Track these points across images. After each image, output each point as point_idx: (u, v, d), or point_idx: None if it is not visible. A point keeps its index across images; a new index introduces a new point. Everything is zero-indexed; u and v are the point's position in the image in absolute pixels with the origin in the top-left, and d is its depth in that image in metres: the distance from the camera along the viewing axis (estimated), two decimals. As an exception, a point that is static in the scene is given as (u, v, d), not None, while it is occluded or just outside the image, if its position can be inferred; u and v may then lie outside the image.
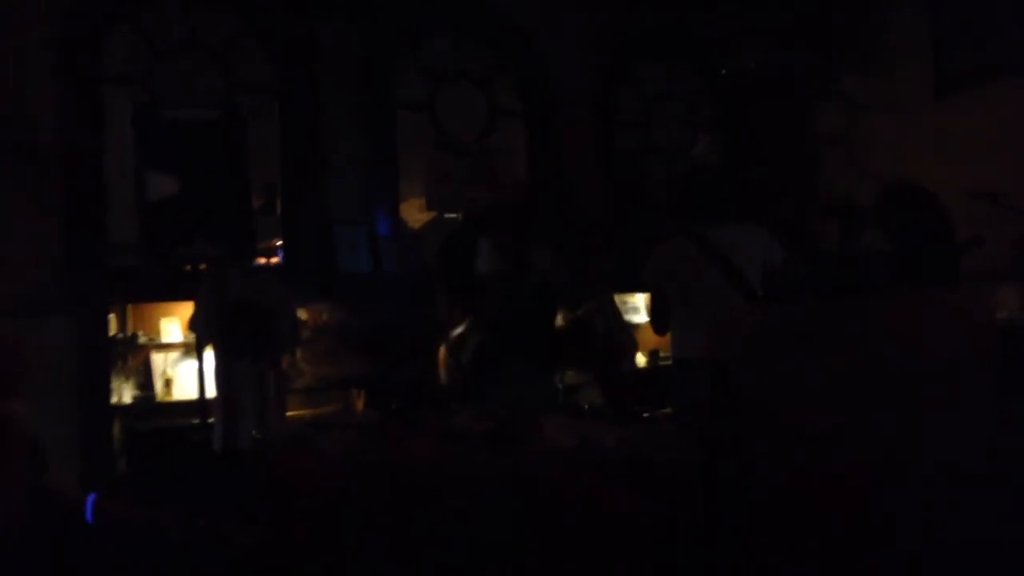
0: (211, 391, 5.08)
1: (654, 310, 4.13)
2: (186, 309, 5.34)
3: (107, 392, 5.51)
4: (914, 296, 2.77)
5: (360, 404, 5.90)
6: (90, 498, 2.38)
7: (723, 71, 7.22)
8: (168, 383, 5.77)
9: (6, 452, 2.27)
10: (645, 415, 3.59)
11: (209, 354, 5.12)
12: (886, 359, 2.42)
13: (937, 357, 2.39)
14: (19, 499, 2.25)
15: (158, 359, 5.80)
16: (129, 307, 5.82)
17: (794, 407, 2.49)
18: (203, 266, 5.37)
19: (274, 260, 6.37)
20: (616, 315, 4.31)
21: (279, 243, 6.38)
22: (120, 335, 5.72)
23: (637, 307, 7.04)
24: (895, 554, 2.19)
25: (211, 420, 5.05)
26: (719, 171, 7.20)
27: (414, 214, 7.48)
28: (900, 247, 3.40)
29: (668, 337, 4.19)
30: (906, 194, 3.60)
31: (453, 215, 6.80)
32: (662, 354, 6.54)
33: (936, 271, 3.31)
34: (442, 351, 3.95)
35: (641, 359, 6.69)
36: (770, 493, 2.45)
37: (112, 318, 5.65)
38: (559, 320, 3.98)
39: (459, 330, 3.86)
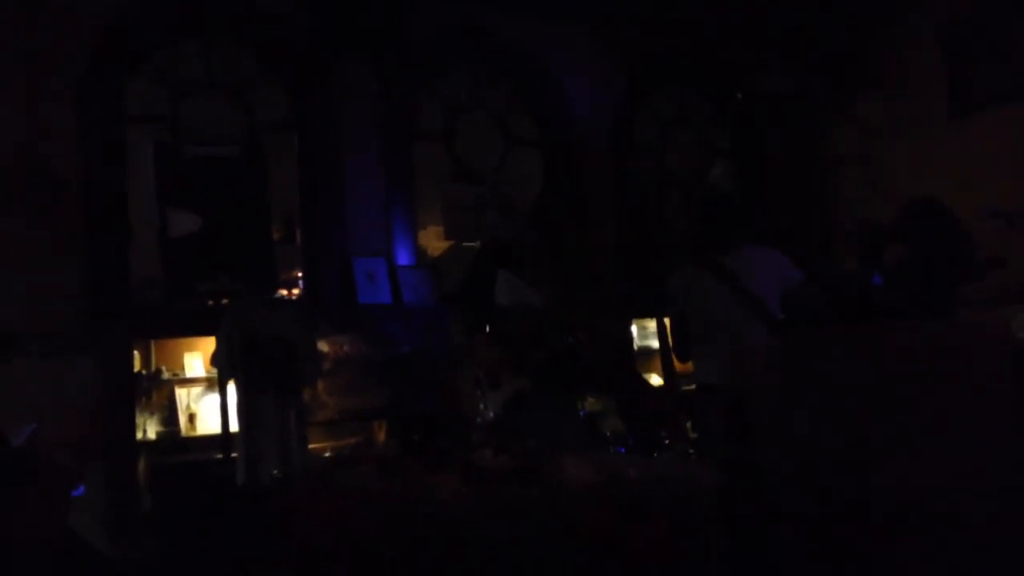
0: (234, 425, 5.12)
1: (676, 337, 4.12)
2: (209, 344, 5.38)
3: (132, 428, 5.55)
4: (933, 321, 2.76)
5: (381, 436, 5.91)
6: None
7: (738, 95, 7.24)
8: (192, 418, 5.80)
9: (47, 497, 2.30)
10: (667, 442, 3.59)
11: (232, 388, 5.16)
12: (905, 384, 2.42)
13: (957, 381, 2.39)
14: (52, 542, 2.28)
15: (182, 394, 5.83)
16: (152, 343, 5.87)
17: (812, 433, 2.49)
18: (225, 300, 5.42)
19: (295, 291, 6.41)
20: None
21: (299, 275, 6.43)
22: (144, 371, 5.77)
23: (653, 332, 7.01)
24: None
25: (234, 455, 5.08)
26: (733, 194, 7.20)
27: (432, 242, 7.52)
28: (919, 262, 3.42)
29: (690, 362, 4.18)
30: (929, 210, 3.65)
31: (471, 244, 6.83)
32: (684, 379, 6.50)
33: (948, 289, 3.32)
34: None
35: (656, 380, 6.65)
36: (791, 519, 2.44)
37: (136, 354, 5.70)
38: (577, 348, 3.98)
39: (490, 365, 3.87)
